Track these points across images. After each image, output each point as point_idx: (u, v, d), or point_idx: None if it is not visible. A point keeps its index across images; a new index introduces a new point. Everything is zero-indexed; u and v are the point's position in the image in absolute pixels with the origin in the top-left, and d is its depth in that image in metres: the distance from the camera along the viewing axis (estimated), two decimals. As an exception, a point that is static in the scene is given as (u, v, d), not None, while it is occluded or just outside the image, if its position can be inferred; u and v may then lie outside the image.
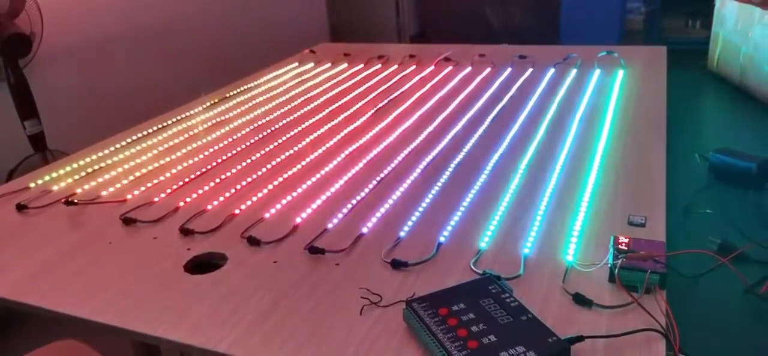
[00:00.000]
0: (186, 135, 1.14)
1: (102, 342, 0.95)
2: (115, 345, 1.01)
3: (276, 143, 1.06)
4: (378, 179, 0.88)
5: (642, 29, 3.36)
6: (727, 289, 0.60)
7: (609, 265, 0.60)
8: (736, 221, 0.70)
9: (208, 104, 1.32)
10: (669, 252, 0.60)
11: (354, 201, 0.82)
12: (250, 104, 1.31)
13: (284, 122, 1.18)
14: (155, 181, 0.94)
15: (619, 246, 0.62)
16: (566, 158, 0.90)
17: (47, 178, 0.98)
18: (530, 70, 1.37)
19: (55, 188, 0.95)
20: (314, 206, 0.82)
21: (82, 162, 1.04)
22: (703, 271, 0.61)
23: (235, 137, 1.11)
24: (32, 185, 0.96)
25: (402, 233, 0.73)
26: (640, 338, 0.52)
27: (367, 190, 0.85)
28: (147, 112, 1.31)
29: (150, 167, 0.99)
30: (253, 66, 1.63)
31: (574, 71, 1.32)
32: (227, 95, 1.38)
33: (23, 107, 1.85)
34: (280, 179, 0.91)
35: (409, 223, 0.75)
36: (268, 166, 0.97)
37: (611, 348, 0.51)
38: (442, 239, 0.71)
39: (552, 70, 1.35)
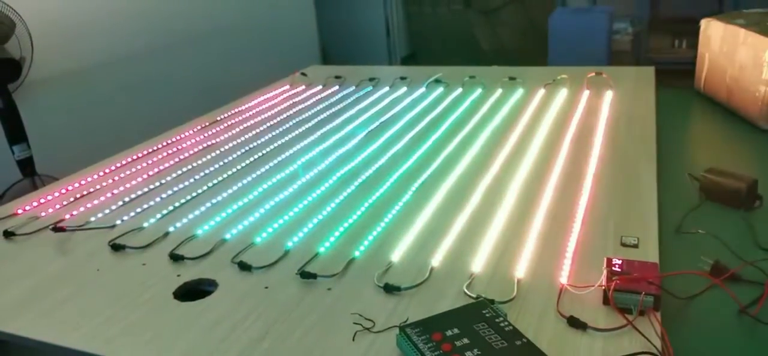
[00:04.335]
0: (176, 159, 1.13)
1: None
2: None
3: (267, 167, 1.06)
4: (370, 202, 0.88)
5: (629, 50, 3.41)
6: (720, 310, 0.60)
7: (603, 287, 0.60)
8: (728, 241, 0.70)
9: (198, 127, 1.31)
10: (662, 274, 0.60)
11: (346, 225, 0.82)
12: (241, 127, 1.30)
13: (275, 145, 1.18)
14: (144, 206, 0.93)
15: (613, 268, 0.62)
16: (558, 178, 0.90)
17: (35, 204, 0.97)
18: (520, 91, 1.38)
19: (43, 214, 0.93)
20: (306, 230, 0.81)
21: (70, 187, 1.02)
22: (696, 292, 0.61)
23: (225, 161, 1.10)
24: (20, 211, 0.94)
25: (394, 258, 0.72)
26: (635, 361, 0.51)
27: (358, 213, 0.85)
28: (136, 137, 1.31)
29: (139, 193, 0.98)
30: (244, 89, 1.63)
31: (563, 92, 1.33)
32: (217, 119, 1.37)
33: (12, 132, 1.83)
34: (272, 203, 0.90)
35: (402, 247, 0.75)
36: (259, 190, 0.96)
37: (607, 371, 0.51)
38: (434, 262, 0.70)
39: (542, 91, 1.35)
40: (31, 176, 1.90)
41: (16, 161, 1.87)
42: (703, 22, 1.30)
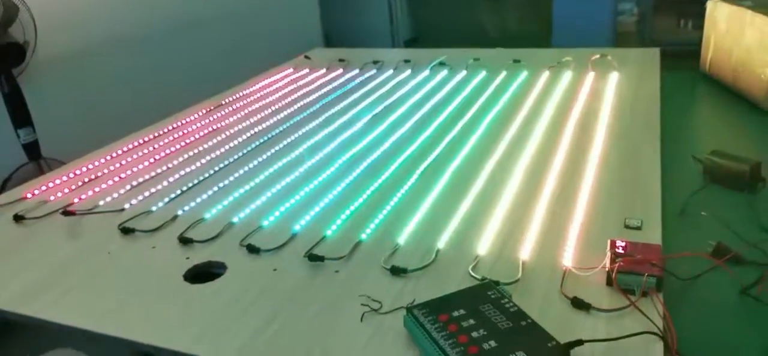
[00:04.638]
0: (181, 144, 1.14)
1: (99, 350, 0.95)
2: (112, 353, 1.01)
3: (273, 150, 1.07)
4: (375, 186, 0.89)
5: (634, 31, 3.39)
6: (723, 291, 0.61)
7: (606, 269, 0.61)
8: (730, 223, 0.71)
9: (204, 111, 1.32)
10: (665, 256, 0.61)
11: (352, 208, 0.82)
12: (247, 111, 1.31)
13: (281, 128, 1.18)
14: (152, 190, 0.94)
15: (617, 250, 0.62)
16: (562, 161, 0.91)
17: (43, 188, 0.98)
18: (525, 73, 1.38)
19: (51, 198, 0.94)
20: (313, 213, 0.82)
21: (78, 171, 1.03)
22: (699, 273, 0.62)
23: (232, 145, 1.11)
24: (29, 195, 0.96)
25: (401, 240, 0.73)
26: (638, 341, 0.52)
27: (365, 196, 0.86)
28: (142, 119, 1.31)
29: (146, 177, 0.99)
30: (247, 72, 1.64)
31: (568, 74, 1.33)
32: (223, 102, 1.38)
33: (17, 116, 1.84)
34: (278, 187, 0.91)
35: (408, 229, 0.76)
36: (266, 173, 0.97)
37: (610, 351, 0.52)
38: (440, 245, 0.71)
39: (546, 73, 1.35)
40: (36, 159, 1.91)
41: (21, 145, 1.88)
42: (710, 4, 1.30)
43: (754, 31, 1.12)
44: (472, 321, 0.54)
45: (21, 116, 1.84)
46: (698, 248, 0.67)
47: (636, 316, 0.56)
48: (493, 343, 0.51)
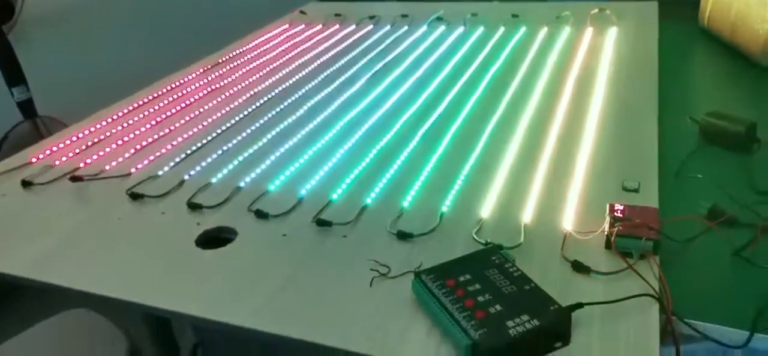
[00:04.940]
0: (182, 105, 1.14)
1: (111, 312, 0.98)
2: (125, 314, 1.04)
3: (275, 112, 1.07)
4: (378, 148, 0.90)
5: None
6: (717, 252, 0.63)
7: (605, 233, 0.63)
8: (725, 184, 0.73)
9: (201, 70, 1.31)
10: (662, 219, 0.63)
11: (356, 171, 0.84)
12: (245, 70, 1.30)
13: (281, 88, 1.18)
14: (157, 154, 0.95)
15: (615, 214, 0.65)
16: (561, 122, 0.93)
17: (48, 152, 0.99)
18: (523, 29, 1.38)
19: (56, 162, 0.95)
20: (317, 177, 0.84)
21: (81, 135, 1.04)
22: (693, 235, 0.64)
23: (232, 106, 1.11)
24: (34, 160, 0.96)
25: (405, 204, 0.75)
26: (635, 302, 0.55)
27: (368, 159, 0.87)
28: (135, 74, 1.31)
29: (150, 139, 1.00)
30: (243, 22, 1.62)
31: (566, 30, 1.33)
32: (220, 61, 1.37)
33: (10, 74, 1.83)
34: (282, 150, 0.93)
35: (412, 193, 0.78)
36: (269, 136, 0.98)
37: (609, 312, 0.55)
38: (444, 208, 0.73)
39: (545, 29, 1.35)
40: (32, 117, 1.91)
41: (16, 103, 1.87)
42: (710, -43, 1.29)
43: (754, -14, 1.12)
44: (477, 286, 0.57)
45: (14, 75, 1.83)
46: (694, 210, 0.69)
47: (634, 278, 0.58)
48: (498, 307, 0.54)
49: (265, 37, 1.53)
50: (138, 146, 0.98)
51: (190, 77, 1.28)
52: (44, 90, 1.94)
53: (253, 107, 1.10)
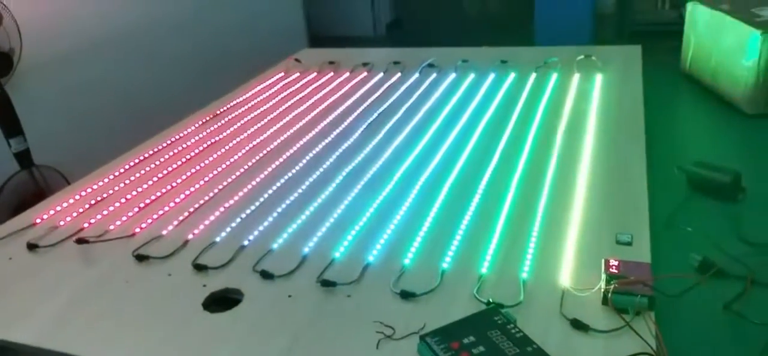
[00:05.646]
0: (183, 159, 1.16)
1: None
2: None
3: (275, 165, 1.10)
4: (377, 203, 0.92)
5: (613, 12, 3.47)
6: (709, 306, 0.66)
7: (602, 290, 0.66)
8: (714, 234, 0.76)
9: (200, 122, 1.34)
10: (656, 276, 0.66)
11: (356, 228, 0.86)
12: (243, 121, 1.33)
13: (280, 139, 1.21)
14: (160, 212, 0.97)
15: (610, 270, 0.67)
16: (553, 174, 0.96)
17: (52, 212, 1.00)
18: (513, 75, 1.42)
19: (61, 223, 0.97)
20: (320, 232, 0.86)
21: (83, 193, 1.05)
22: (685, 289, 0.67)
23: (232, 160, 1.14)
24: (38, 220, 0.98)
25: (406, 262, 0.78)
26: (633, 360, 0.58)
27: (368, 214, 0.89)
28: (132, 122, 1.33)
29: (152, 197, 1.02)
30: (238, 65, 1.65)
31: (554, 75, 1.37)
32: (217, 112, 1.40)
33: (7, 125, 1.83)
34: (284, 205, 0.95)
35: (412, 250, 0.80)
36: (270, 191, 1.00)
37: (608, 371, 0.57)
38: (444, 266, 0.76)
39: (533, 75, 1.40)
40: (28, 167, 1.91)
41: (13, 154, 1.87)
42: (690, 6, 1.35)
43: (732, 36, 1.17)
44: (482, 348, 0.59)
45: (11, 126, 1.84)
46: (684, 262, 0.72)
47: (631, 335, 0.61)
48: (502, 370, 0.56)
49: (262, 85, 1.56)
50: (141, 204, 0.99)
51: (189, 130, 1.30)
52: (40, 137, 1.95)
53: (253, 160, 1.13)
